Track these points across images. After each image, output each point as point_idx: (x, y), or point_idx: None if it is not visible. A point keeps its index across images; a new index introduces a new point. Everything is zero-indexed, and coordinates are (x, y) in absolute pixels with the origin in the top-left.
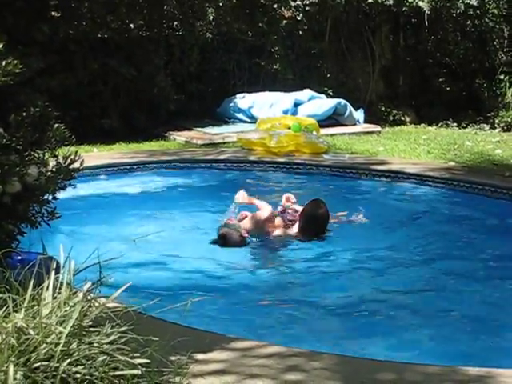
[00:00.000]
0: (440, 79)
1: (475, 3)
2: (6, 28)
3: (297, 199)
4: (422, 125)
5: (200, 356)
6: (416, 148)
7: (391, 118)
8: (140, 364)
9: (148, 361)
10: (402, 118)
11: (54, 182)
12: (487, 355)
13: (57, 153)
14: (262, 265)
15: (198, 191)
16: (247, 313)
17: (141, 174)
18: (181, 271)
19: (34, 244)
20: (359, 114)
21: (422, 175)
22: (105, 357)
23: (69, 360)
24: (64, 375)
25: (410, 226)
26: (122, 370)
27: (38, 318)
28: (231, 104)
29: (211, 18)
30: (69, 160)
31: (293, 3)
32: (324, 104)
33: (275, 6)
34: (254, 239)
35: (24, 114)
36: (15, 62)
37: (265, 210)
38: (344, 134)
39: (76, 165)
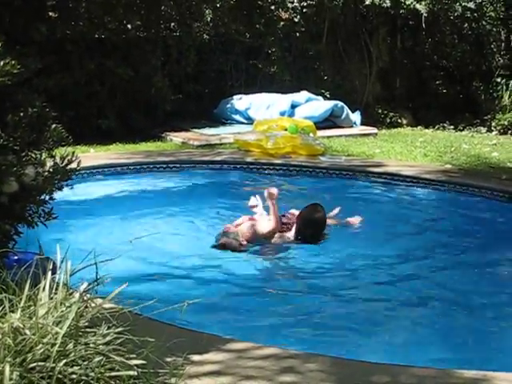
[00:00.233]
0: (437, 82)
1: (473, 6)
2: (4, 28)
3: (293, 202)
4: (419, 127)
5: (196, 357)
6: (412, 150)
7: (388, 121)
8: (136, 365)
9: (144, 362)
10: (399, 121)
11: (51, 183)
12: (483, 358)
13: (54, 153)
14: (259, 268)
15: (195, 192)
16: (243, 314)
17: (137, 174)
18: (177, 272)
19: (30, 244)
20: (356, 116)
21: (418, 178)
22: (101, 357)
23: (65, 360)
24: (60, 376)
25: (406, 228)
26: (118, 370)
27: (34, 319)
28: (228, 105)
29: (209, 19)
30: (66, 160)
31: (290, 5)
32: (321, 106)
33: (273, 7)
34: (253, 245)
35: (21, 114)
36: (13, 62)
37: (268, 223)
38: (341, 136)
39: (73, 165)
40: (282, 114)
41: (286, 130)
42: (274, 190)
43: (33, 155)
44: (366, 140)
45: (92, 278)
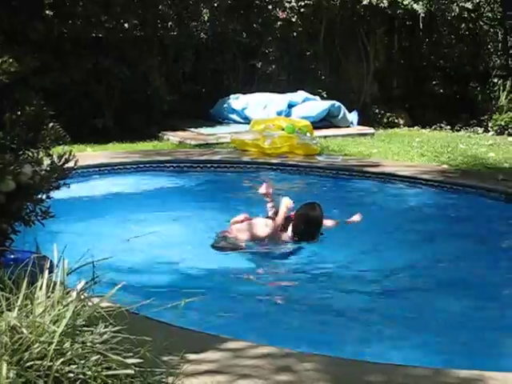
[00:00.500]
0: (434, 82)
1: (470, 6)
2: (2, 27)
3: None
4: (416, 127)
5: (193, 356)
6: (409, 150)
7: (385, 121)
8: (133, 364)
9: (141, 361)
10: (396, 121)
11: (48, 181)
12: (479, 358)
13: (51, 152)
14: (256, 267)
15: (192, 191)
16: (240, 314)
17: (134, 173)
18: (174, 271)
19: (27, 243)
20: (353, 116)
21: (415, 178)
22: (98, 356)
23: (62, 359)
24: (57, 374)
25: (403, 228)
26: (115, 369)
27: (31, 317)
28: (225, 105)
29: (206, 18)
30: (63, 159)
31: (287, 5)
32: (318, 106)
33: (270, 7)
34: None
35: (19, 112)
36: (11, 60)
37: (265, 228)
38: (337, 135)
39: (70, 164)
40: (279, 113)
41: (282, 129)
42: (263, 189)
43: (30, 154)
44: (363, 140)
45: (89, 276)
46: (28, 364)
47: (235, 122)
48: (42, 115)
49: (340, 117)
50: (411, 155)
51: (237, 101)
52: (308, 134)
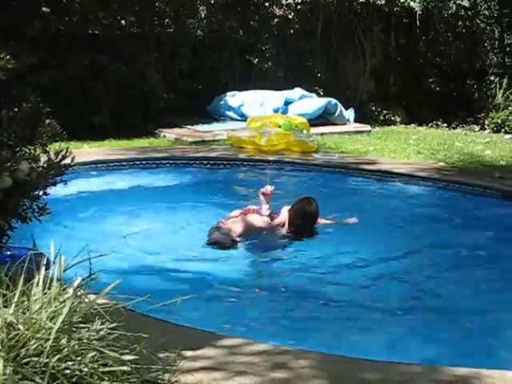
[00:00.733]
0: (431, 80)
1: (467, 4)
2: None
3: (286, 199)
4: (412, 125)
5: (189, 353)
6: (406, 148)
7: (381, 118)
8: (129, 360)
9: (137, 357)
10: (393, 118)
11: (44, 178)
12: (476, 355)
13: (48, 148)
14: (253, 264)
15: (188, 188)
16: (236, 310)
17: (131, 170)
18: (171, 268)
19: (24, 240)
20: (349, 114)
21: (411, 175)
22: (94, 353)
23: (58, 356)
24: (53, 371)
25: (399, 225)
26: (112, 366)
27: (27, 314)
28: (222, 102)
29: (202, 15)
30: (60, 156)
31: (284, 2)
32: (314, 103)
33: (267, 4)
34: (245, 241)
35: (16, 109)
36: (8, 57)
37: (260, 219)
38: (334, 133)
39: (67, 161)
40: (276, 110)
41: (279, 126)
42: (268, 190)
43: (27, 150)
44: (360, 137)
45: (85, 273)
46: (24, 360)
47: (232, 119)
48: (38, 112)
49: (336, 114)
50: (408, 153)
51: (233, 98)
52: (304, 132)
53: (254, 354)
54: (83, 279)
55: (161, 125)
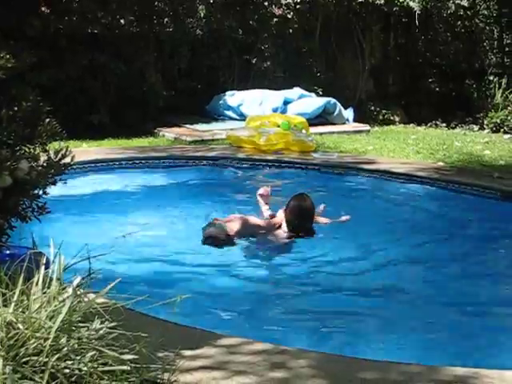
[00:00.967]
0: (430, 79)
1: (466, 4)
2: None
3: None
4: (411, 125)
5: (188, 352)
6: (405, 148)
7: (380, 118)
8: (128, 360)
9: (136, 357)
10: (392, 118)
11: (44, 177)
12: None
13: (48, 148)
14: (252, 263)
15: (187, 188)
16: (235, 310)
17: (130, 170)
18: (170, 268)
19: (23, 239)
20: (349, 113)
21: (410, 175)
22: (94, 352)
23: (58, 355)
24: (53, 370)
25: (398, 225)
26: (111, 365)
27: (27, 313)
28: (221, 101)
29: (202, 14)
30: (60, 155)
31: (283, 1)
32: (313, 102)
33: (266, 3)
34: (242, 240)
35: (16, 108)
36: (7, 56)
37: (258, 219)
38: (333, 132)
39: (67, 160)
40: (275, 110)
41: (278, 126)
42: (264, 191)
43: (27, 149)
44: (359, 137)
45: (85, 272)
46: (24, 359)
47: (231, 118)
48: (38, 111)
49: (336, 114)
50: (407, 152)
51: (232, 97)
52: (303, 131)
53: (254, 353)
54: (83, 278)
55: (160, 124)
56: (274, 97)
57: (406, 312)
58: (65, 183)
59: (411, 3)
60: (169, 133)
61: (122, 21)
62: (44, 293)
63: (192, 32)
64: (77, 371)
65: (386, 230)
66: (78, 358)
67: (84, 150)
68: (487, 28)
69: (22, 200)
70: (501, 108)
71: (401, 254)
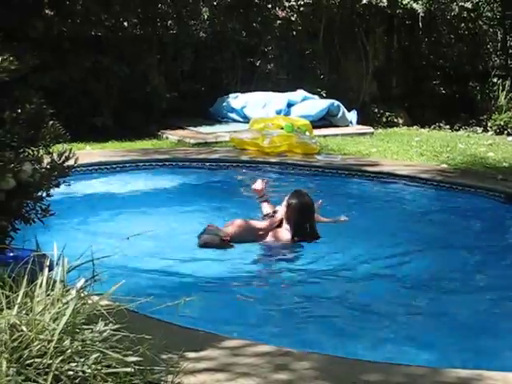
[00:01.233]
0: (433, 81)
1: (469, 6)
2: (0, 24)
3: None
4: (415, 127)
5: (192, 354)
6: (408, 150)
7: (384, 120)
8: (132, 362)
9: (140, 359)
10: (395, 120)
11: (48, 179)
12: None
13: (51, 150)
14: (256, 266)
15: (190, 190)
16: (239, 312)
17: (133, 172)
18: (174, 270)
19: (27, 241)
20: (352, 116)
21: (414, 177)
22: (97, 354)
23: (61, 357)
24: (57, 372)
25: (402, 227)
26: (115, 367)
27: (31, 315)
28: (224, 103)
29: (205, 17)
30: (63, 157)
31: (287, 3)
32: (317, 105)
33: (269, 5)
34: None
35: (19, 110)
36: (11, 58)
37: (259, 223)
38: (337, 135)
39: (70, 162)
40: (278, 112)
41: (281, 128)
42: (258, 185)
43: (30, 152)
44: (362, 139)
45: (89, 275)
46: (28, 362)
47: (234, 120)
48: (41, 113)
49: (339, 116)
50: (410, 154)
51: (236, 100)
52: (307, 133)
53: (257, 355)
54: (86, 281)
55: (163, 126)
56: (278, 99)
57: (410, 314)
58: (68, 185)
59: (415, 5)
60: (172, 135)
61: (125, 23)
62: (48, 295)
63: (195, 34)
64: (80, 373)
65: (389, 232)
66: (82, 360)
67: (87, 153)
68: (491, 30)
69: (25, 202)
70: (504, 110)
71: (404, 256)
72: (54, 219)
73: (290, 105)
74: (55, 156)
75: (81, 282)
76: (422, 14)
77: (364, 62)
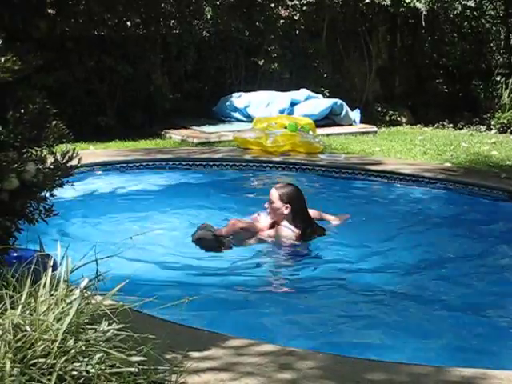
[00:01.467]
0: (437, 80)
1: (472, 4)
2: (3, 24)
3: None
4: (418, 125)
5: (196, 354)
6: (412, 149)
7: (387, 119)
8: (136, 362)
9: (144, 358)
10: (398, 119)
11: (51, 179)
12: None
13: (54, 150)
14: (260, 265)
15: (194, 189)
16: (243, 311)
17: (136, 172)
18: (177, 269)
19: (31, 241)
20: (355, 115)
21: (417, 176)
22: (101, 354)
23: (65, 357)
24: (61, 372)
25: (405, 226)
26: (119, 367)
27: (34, 315)
28: (227, 103)
29: (208, 16)
30: (66, 157)
31: (290, 2)
32: (320, 104)
33: (272, 5)
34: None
35: (22, 110)
36: (14, 58)
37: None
38: (340, 134)
39: (74, 162)
40: (282, 111)
41: (285, 127)
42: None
43: (33, 152)
44: (366, 138)
45: (92, 274)
46: (32, 362)
47: (238, 120)
48: (45, 113)
49: (342, 115)
50: (414, 153)
51: (239, 99)
52: (310, 132)
53: (261, 354)
54: (90, 280)
55: (167, 126)
56: (281, 98)
57: (414, 313)
58: (72, 185)
59: (418, 4)
60: (176, 135)
61: (128, 23)
62: (51, 295)
63: (199, 34)
64: (84, 373)
65: (392, 231)
66: (86, 359)
67: (91, 152)
68: (494, 28)
69: (29, 202)
70: (508, 108)
71: (407, 256)
72: (58, 219)
73: (293, 104)
74: (59, 156)
75: (84, 282)
76: (425, 13)
77: (367, 60)
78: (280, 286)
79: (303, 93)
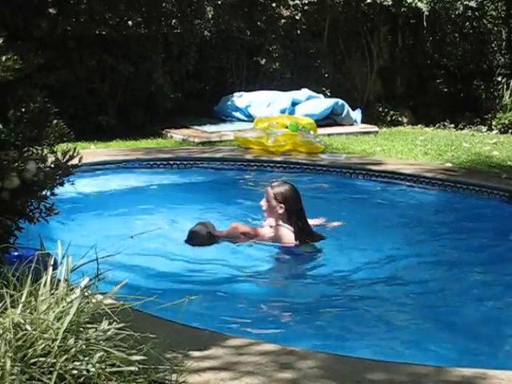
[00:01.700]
0: (438, 80)
1: (474, 5)
2: (5, 23)
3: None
4: (420, 126)
5: (196, 353)
6: (413, 149)
7: (388, 119)
8: (136, 361)
9: (145, 358)
10: (400, 119)
11: (52, 178)
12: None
13: (55, 149)
14: (261, 266)
15: (194, 189)
16: (244, 311)
17: (137, 171)
18: (178, 269)
19: (31, 240)
20: (357, 114)
21: (418, 176)
22: (102, 353)
23: (66, 356)
24: (61, 371)
25: (406, 226)
26: (119, 366)
27: (35, 314)
28: (229, 102)
29: (210, 16)
30: (67, 156)
31: (291, 2)
32: (321, 104)
33: (274, 4)
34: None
35: (23, 109)
36: (15, 57)
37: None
38: (341, 133)
39: (75, 161)
40: (283, 111)
41: (286, 127)
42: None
43: (34, 151)
44: (367, 138)
45: (93, 273)
46: (32, 361)
47: (239, 119)
48: (46, 112)
49: (344, 115)
50: (415, 153)
51: (240, 98)
52: (311, 132)
53: (262, 354)
54: (90, 279)
55: (168, 125)
56: (282, 98)
57: (414, 313)
58: (72, 184)
59: (419, 4)
60: (177, 134)
61: (129, 22)
62: (52, 294)
63: (200, 33)
64: (85, 372)
65: (392, 232)
66: (86, 358)
67: (92, 152)
68: (495, 29)
69: (29, 201)
70: (509, 109)
71: (408, 256)
72: (58, 218)
73: (294, 104)
74: (59, 155)
75: (85, 281)
76: (426, 13)
77: (368, 60)
78: (279, 286)
79: (304, 93)
